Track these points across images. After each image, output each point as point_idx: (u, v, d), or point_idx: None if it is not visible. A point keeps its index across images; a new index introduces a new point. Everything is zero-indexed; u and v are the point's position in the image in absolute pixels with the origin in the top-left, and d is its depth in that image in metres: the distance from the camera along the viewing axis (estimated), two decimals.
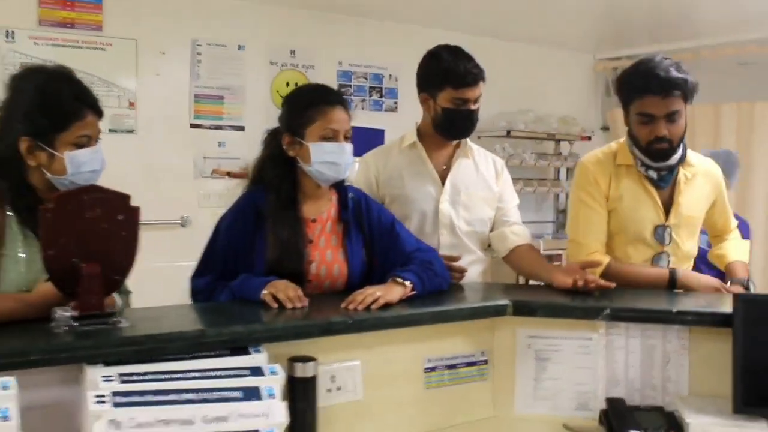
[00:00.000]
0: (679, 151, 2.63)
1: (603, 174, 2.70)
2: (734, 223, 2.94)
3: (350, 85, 5.36)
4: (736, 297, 2.04)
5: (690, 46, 5.82)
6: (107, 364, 1.57)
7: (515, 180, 5.26)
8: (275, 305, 2.02)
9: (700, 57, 5.78)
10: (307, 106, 2.32)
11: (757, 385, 1.98)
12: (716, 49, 5.79)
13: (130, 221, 1.73)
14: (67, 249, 1.67)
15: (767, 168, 5.54)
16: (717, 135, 5.67)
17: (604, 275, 2.52)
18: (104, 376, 1.52)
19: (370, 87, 5.47)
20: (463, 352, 2.20)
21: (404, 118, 5.42)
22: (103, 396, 1.48)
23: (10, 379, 1.42)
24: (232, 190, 4.72)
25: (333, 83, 5.24)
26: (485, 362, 2.25)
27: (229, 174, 4.79)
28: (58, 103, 1.98)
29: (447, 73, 2.66)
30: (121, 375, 1.54)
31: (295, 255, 2.29)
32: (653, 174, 2.65)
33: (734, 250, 2.86)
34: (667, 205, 2.69)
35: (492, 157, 2.96)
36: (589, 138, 6.26)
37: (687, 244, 2.73)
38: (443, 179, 2.80)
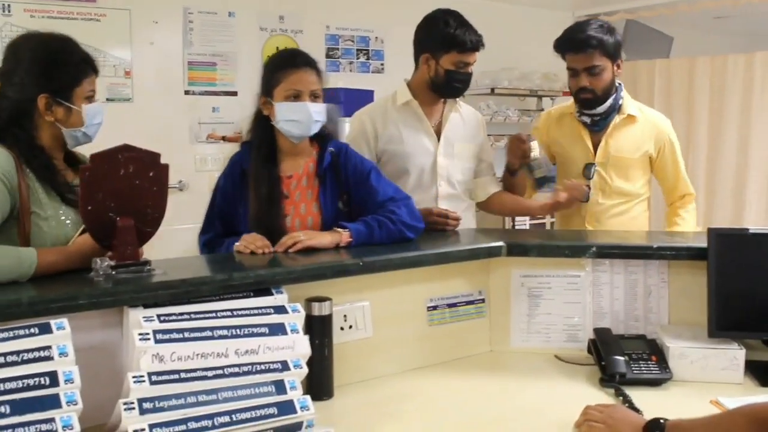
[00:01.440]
0: (609, 101, 2.96)
1: (546, 124, 3.20)
2: (690, 190, 3.13)
3: (338, 48, 5.47)
4: (710, 232, 2.22)
5: (667, 1, 5.96)
6: (146, 306, 1.71)
7: (500, 136, 5.44)
8: (248, 251, 2.19)
9: (677, 11, 5.94)
10: (275, 69, 2.47)
11: (729, 312, 2.18)
12: (693, 3, 5.89)
13: (160, 177, 1.88)
14: (104, 204, 1.81)
15: (737, 118, 5.65)
16: (691, 87, 5.78)
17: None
18: (145, 317, 1.67)
19: (357, 49, 5.57)
20: (462, 292, 2.37)
21: (391, 78, 5.57)
22: (146, 334, 1.64)
23: (63, 320, 1.57)
24: (228, 154, 4.89)
25: (321, 47, 5.38)
26: (482, 301, 2.42)
27: (224, 138, 4.93)
28: (71, 61, 2.13)
29: (454, 38, 2.82)
30: (160, 315, 1.69)
31: (272, 210, 2.43)
32: (587, 119, 3.02)
33: (688, 226, 3.07)
34: (597, 147, 3.04)
35: (474, 111, 3.15)
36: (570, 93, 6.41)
37: (617, 181, 3.05)
38: (438, 134, 2.96)
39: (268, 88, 2.47)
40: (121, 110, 4.52)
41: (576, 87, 2.94)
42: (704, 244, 2.22)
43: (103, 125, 2.25)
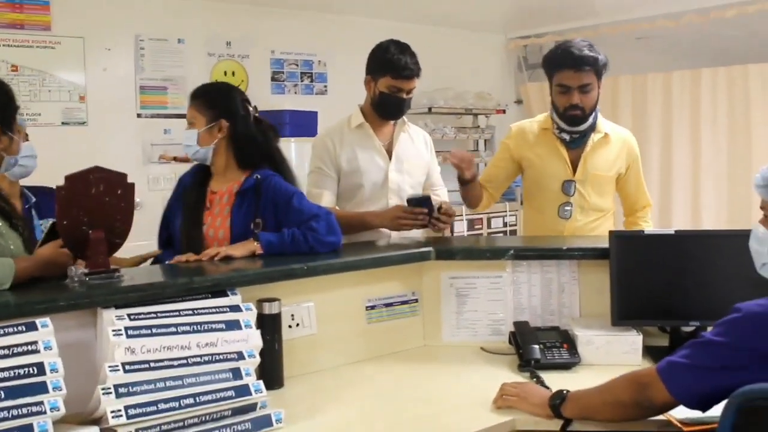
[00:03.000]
0: (591, 119, 3.04)
1: (518, 140, 3.22)
2: (649, 200, 3.29)
3: (283, 72, 5.71)
4: (611, 234, 2.54)
5: (590, 24, 6.33)
6: (117, 307, 1.94)
7: (438, 152, 5.73)
8: (182, 260, 2.48)
9: (600, 33, 6.31)
10: None
11: (629, 303, 2.48)
12: (614, 26, 6.26)
13: (126, 195, 2.11)
14: (78, 219, 2.05)
15: (660, 134, 6.04)
16: (615, 105, 6.12)
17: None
18: (117, 316, 1.90)
19: (302, 73, 5.82)
20: (398, 293, 2.65)
21: (333, 99, 5.84)
22: (119, 330, 1.88)
23: (46, 319, 1.80)
24: (179, 174, 5.11)
25: (267, 70, 5.63)
26: (416, 300, 2.69)
27: (175, 159, 5.10)
28: (11, 94, 2.33)
29: (389, 63, 3.10)
30: (130, 315, 1.92)
31: (193, 216, 2.73)
32: (566, 136, 3.08)
33: None
34: (576, 164, 3.10)
35: (421, 131, 3.46)
36: (504, 111, 6.69)
37: (594, 197, 3.12)
38: (389, 152, 3.26)
39: None
40: (76, 133, 4.71)
41: (566, 104, 2.98)
42: (607, 245, 2.53)
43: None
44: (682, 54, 7.55)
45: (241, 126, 2.71)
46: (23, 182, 2.99)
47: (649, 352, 2.43)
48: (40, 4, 4.60)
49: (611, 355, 2.41)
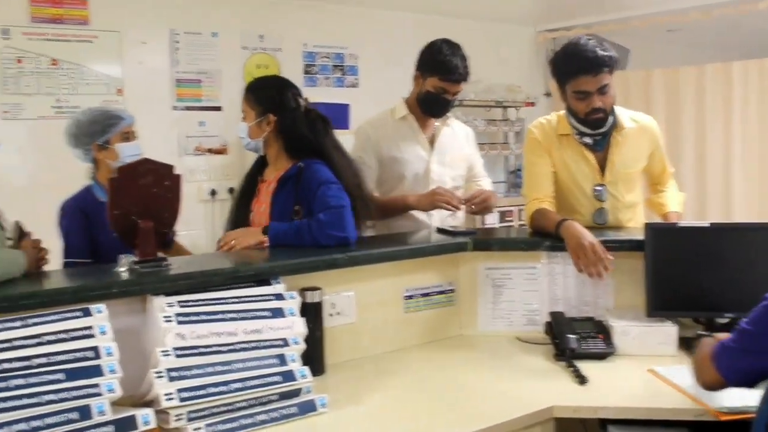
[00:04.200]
0: (611, 118, 2.87)
1: (545, 138, 2.97)
2: (672, 171, 3.19)
3: (315, 65, 5.75)
4: (647, 226, 2.57)
5: (620, 16, 6.32)
6: (167, 294, 2.01)
7: None
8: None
9: (630, 26, 6.31)
10: None
11: (663, 294, 2.52)
12: (644, 18, 6.26)
13: (174, 186, 2.19)
14: (128, 209, 2.12)
15: (693, 128, 6.03)
16: (648, 99, 6.11)
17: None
18: (168, 303, 1.97)
19: (333, 65, 5.86)
20: (435, 283, 2.69)
21: (364, 92, 5.88)
22: (169, 316, 1.95)
23: (102, 305, 1.88)
24: (214, 165, 5.20)
25: (299, 64, 5.68)
26: (452, 291, 2.74)
27: (209, 150, 5.22)
28: None
29: (439, 64, 3.17)
30: (180, 302, 1.99)
31: (240, 202, 2.89)
32: (588, 140, 2.89)
33: (672, 200, 3.10)
34: (603, 166, 2.94)
35: (464, 126, 3.55)
36: (533, 104, 6.70)
37: (627, 196, 2.98)
38: (431, 144, 3.33)
39: None
40: None
41: (588, 108, 2.78)
42: (642, 237, 2.56)
43: None
44: (712, 46, 7.51)
45: (288, 119, 2.76)
46: None
47: (684, 343, 2.45)
48: None
49: (646, 346, 2.44)
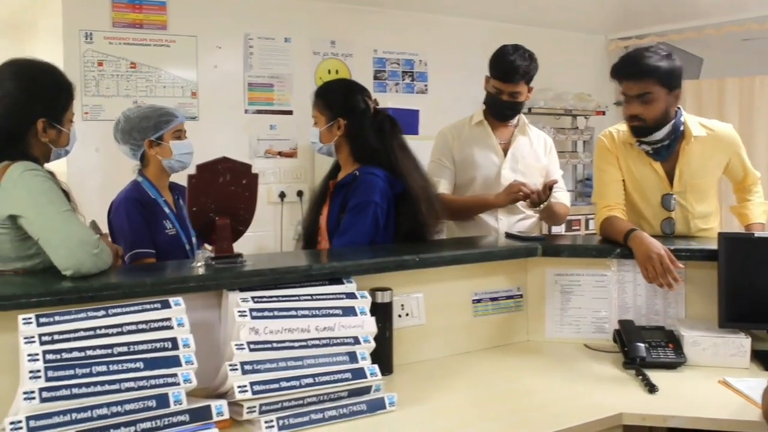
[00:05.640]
0: (666, 129, 2.80)
1: (614, 146, 2.97)
2: (757, 176, 3.11)
3: (385, 71, 5.79)
4: (721, 236, 2.53)
5: (694, 25, 6.22)
6: (241, 290, 2.07)
7: None
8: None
9: (705, 34, 6.21)
10: None
11: (736, 305, 2.48)
12: (719, 27, 6.13)
13: (251, 184, 2.24)
14: (206, 206, 2.18)
15: (766, 138, 5.92)
16: (721, 108, 6.01)
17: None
18: (242, 298, 2.03)
19: (403, 72, 5.89)
20: (503, 288, 2.70)
21: (434, 98, 5.90)
22: (244, 311, 2.00)
23: (179, 298, 1.93)
24: (284, 169, 5.28)
25: (369, 69, 5.73)
26: (521, 296, 2.74)
27: (280, 153, 5.30)
28: (64, 89, 2.39)
29: (496, 64, 3.24)
30: (254, 297, 2.04)
31: (313, 208, 2.96)
32: (647, 148, 2.87)
33: (756, 210, 3.05)
34: (671, 175, 2.90)
35: (544, 135, 3.55)
36: (603, 113, 6.62)
37: (698, 207, 2.93)
38: (505, 151, 3.37)
39: None
40: (188, 127, 4.62)
41: (627, 114, 2.82)
42: (715, 247, 2.53)
43: None
44: None
45: (357, 122, 2.82)
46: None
47: (758, 356, 2.42)
48: (158, 5, 4.81)
49: (718, 357, 2.41)
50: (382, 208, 2.72)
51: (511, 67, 3.20)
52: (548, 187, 3.08)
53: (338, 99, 2.86)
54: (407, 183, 2.75)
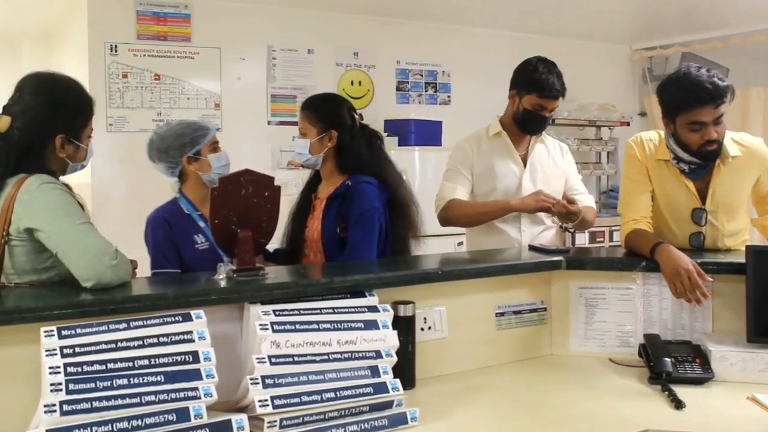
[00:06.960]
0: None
1: (644, 156, 2.90)
2: None
3: (408, 82, 5.81)
4: (749, 249, 2.49)
5: (719, 34, 6.18)
6: (263, 303, 2.06)
7: None
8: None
9: (731, 44, 6.15)
10: None
11: (765, 319, 2.42)
12: (745, 37, 6.09)
13: (273, 197, 2.24)
14: (228, 218, 2.18)
15: None
16: (745, 117, 5.99)
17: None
18: (263, 311, 2.01)
19: (426, 83, 5.89)
20: (527, 301, 2.67)
21: (457, 109, 5.91)
22: (265, 324, 1.98)
23: (200, 311, 1.92)
24: (305, 179, 5.27)
25: (392, 80, 5.75)
26: (545, 309, 2.71)
27: (302, 165, 5.28)
28: (84, 105, 2.39)
29: (538, 83, 3.22)
30: (275, 311, 2.03)
31: (296, 222, 3.01)
32: (684, 166, 2.81)
33: None
34: (703, 193, 2.84)
35: (558, 142, 3.56)
36: (628, 123, 6.60)
37: (727, 225, 2.89)
38: (524, 161, 3.37)
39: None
40: None
41: (702, 140, 2.68)
42: (743, 260, 2.48)
43: None
44: None
45: (347, 135, 2.89)
46: None
47: None
48: (182, 17, 4.85)
49: (746, 373, 2.36)
50: (381, 212, 2.82)
51: (554, 86, 3.23)
52: (571, 202, 3.10)
53: (329, 112, 2.92)
54: (396, 191, 2.87)
